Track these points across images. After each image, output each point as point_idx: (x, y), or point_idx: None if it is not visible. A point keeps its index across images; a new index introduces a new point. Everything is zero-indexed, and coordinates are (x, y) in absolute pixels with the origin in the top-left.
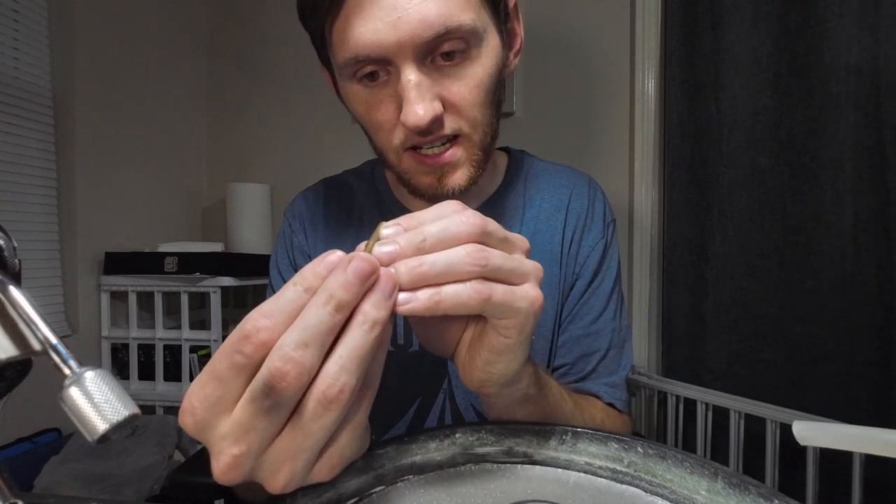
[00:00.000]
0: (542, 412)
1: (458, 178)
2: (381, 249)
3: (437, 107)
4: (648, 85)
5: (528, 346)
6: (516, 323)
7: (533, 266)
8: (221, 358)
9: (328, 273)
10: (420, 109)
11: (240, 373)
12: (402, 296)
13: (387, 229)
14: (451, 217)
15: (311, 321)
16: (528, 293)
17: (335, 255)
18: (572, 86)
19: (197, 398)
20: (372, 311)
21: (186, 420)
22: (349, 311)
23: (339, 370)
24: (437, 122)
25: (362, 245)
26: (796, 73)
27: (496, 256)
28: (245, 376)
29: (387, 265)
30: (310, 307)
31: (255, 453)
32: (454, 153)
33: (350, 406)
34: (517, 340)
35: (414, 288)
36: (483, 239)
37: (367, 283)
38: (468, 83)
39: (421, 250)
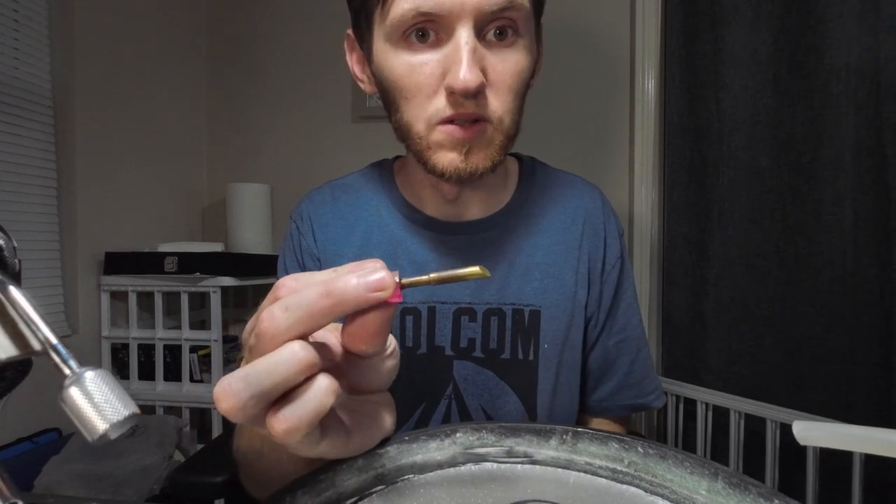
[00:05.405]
0: None
1: (483, 157)
2: None
3: (482, 77)
4: (648, 85)
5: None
6: None
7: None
8: (268, 297)
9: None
10: (470, 73)
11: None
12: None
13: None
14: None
15: (303, 292)
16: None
17: (377, 266)
18: (572, 86)
19: (251, 324)
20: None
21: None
22: (337, 310)
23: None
24: (480, 92)
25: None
26: (796, 73)
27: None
28: None
29: None
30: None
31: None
32: (486, 128)
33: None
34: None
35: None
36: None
37: (371, 292)
38: (512, 67)
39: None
